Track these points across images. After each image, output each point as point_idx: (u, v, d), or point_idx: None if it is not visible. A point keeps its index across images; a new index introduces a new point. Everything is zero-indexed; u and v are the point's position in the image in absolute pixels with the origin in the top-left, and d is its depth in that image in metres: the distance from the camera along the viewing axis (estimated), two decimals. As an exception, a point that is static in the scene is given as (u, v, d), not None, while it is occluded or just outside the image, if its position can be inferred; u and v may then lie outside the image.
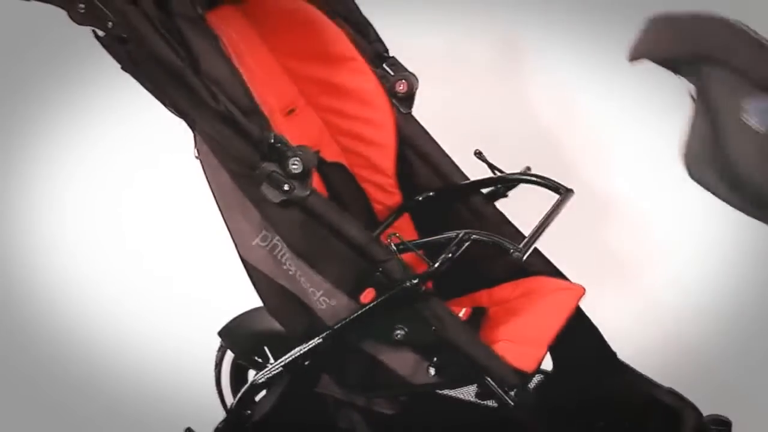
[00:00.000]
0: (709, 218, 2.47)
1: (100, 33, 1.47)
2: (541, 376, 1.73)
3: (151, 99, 1.54)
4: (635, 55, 1.32)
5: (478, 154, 1.70)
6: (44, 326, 2.58)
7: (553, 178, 1.66)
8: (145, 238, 2.77)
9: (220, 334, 1.95)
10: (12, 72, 2.81)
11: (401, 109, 1.74)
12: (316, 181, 1.58)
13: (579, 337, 1.69)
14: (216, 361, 2.02)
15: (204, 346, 2.16)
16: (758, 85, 1.23)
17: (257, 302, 1.84)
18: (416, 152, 1.76)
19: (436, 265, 1.43)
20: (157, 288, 2.62)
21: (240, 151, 1.43)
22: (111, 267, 2.73)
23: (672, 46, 1.33)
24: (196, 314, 2.46)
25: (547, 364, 1.69)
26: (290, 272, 1.48)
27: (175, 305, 2.56)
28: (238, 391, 1.73)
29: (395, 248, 1.45)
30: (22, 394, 2.36)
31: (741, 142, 1.26)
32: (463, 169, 1.75)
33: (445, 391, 1.69)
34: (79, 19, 1.46)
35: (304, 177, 1.42)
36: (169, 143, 2.58)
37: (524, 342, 1.53)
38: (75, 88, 2.79)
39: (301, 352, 1.54)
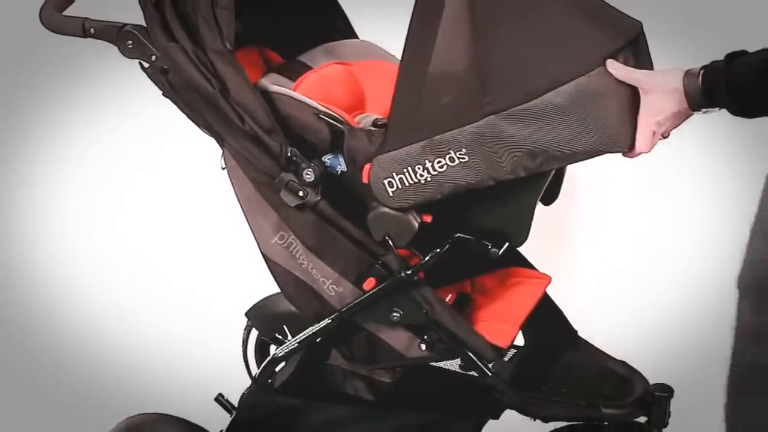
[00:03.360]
0: (663, 206, 2.64)
1: (145, 64, 1.62)
2: (515, 350, 1.82)
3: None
4: None
5: None
6: (45, 327, 2.60)
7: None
8: (146, 238, 2.81)
9: (247, 314, 2.07)
10: (11, 73, 2.84)
11: None
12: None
13: (546, 318, 1.82)
14: (243, 338, 2.15)
15: (209, 339, 2.37)
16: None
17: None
18: None
19: (427, 259, 1.56)
20: (158, 286, 2.67)
21: (263, 164, 1.55)
22: (111, 266, 2.75)
23: None
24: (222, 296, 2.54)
25: (520, 341, 1.80)
26: (303, 265, 1.61)
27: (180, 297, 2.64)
28: (262, 363, 1.83)
29: (392, 245, 1.54)
30: (22, 394, 2.38)
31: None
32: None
33: (434, 363, 1.77)
34: (128, 53, 1.61)
35: (316, 185, 1.53)
36: (169, 144, 2.58)
37: (500, 322, 1.66)
38: (75, 89, 2.85)
39: (314, 330, 1.65)
